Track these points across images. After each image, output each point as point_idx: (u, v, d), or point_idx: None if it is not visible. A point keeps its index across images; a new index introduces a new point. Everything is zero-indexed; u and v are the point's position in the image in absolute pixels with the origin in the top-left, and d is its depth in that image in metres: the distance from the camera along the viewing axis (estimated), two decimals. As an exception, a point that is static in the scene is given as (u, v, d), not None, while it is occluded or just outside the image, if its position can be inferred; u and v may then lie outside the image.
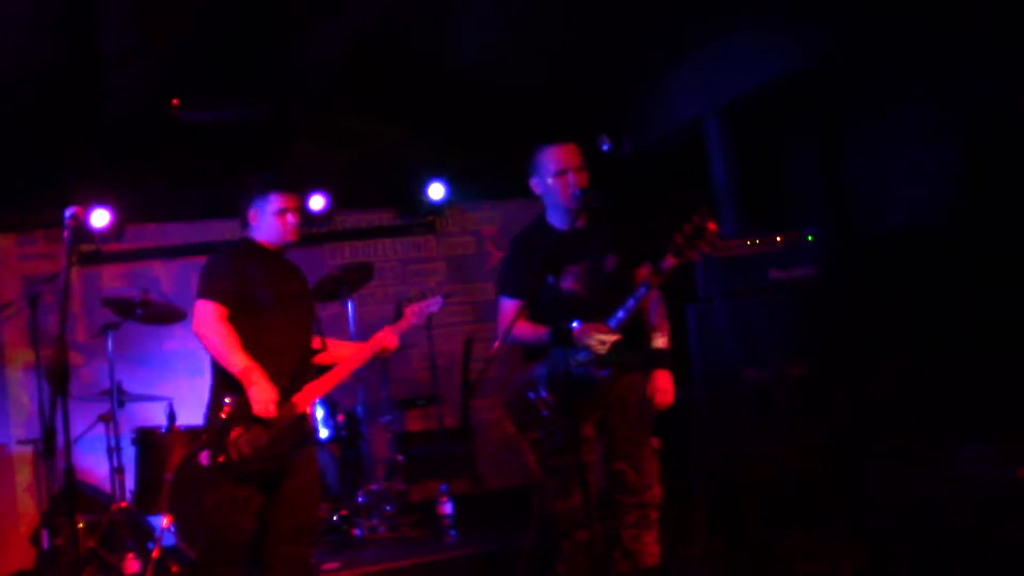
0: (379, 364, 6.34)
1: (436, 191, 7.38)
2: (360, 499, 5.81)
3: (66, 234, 3.34)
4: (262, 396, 3.55)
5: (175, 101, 5.87)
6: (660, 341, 3.94)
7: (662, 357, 3.92)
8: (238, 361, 3.59)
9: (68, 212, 3.39)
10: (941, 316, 5.09)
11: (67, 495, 3.03)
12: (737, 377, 5.12)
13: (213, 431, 3.56)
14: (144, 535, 5.34)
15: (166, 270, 7.11)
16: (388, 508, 5.80)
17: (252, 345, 3.67)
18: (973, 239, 5.02)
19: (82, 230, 6.41)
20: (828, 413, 4.89)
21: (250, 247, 3.87)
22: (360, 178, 7.36)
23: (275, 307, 3.77)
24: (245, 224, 3.89)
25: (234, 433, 3.54)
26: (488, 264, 7.86)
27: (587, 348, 3.70)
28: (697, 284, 5.30)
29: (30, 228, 6.75)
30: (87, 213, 6.42)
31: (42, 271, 6.65)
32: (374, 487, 5.89)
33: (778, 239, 5.27)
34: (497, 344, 3.68)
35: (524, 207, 7.68)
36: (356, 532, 5.64)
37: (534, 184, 3.97)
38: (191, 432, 5.46)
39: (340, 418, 6.00)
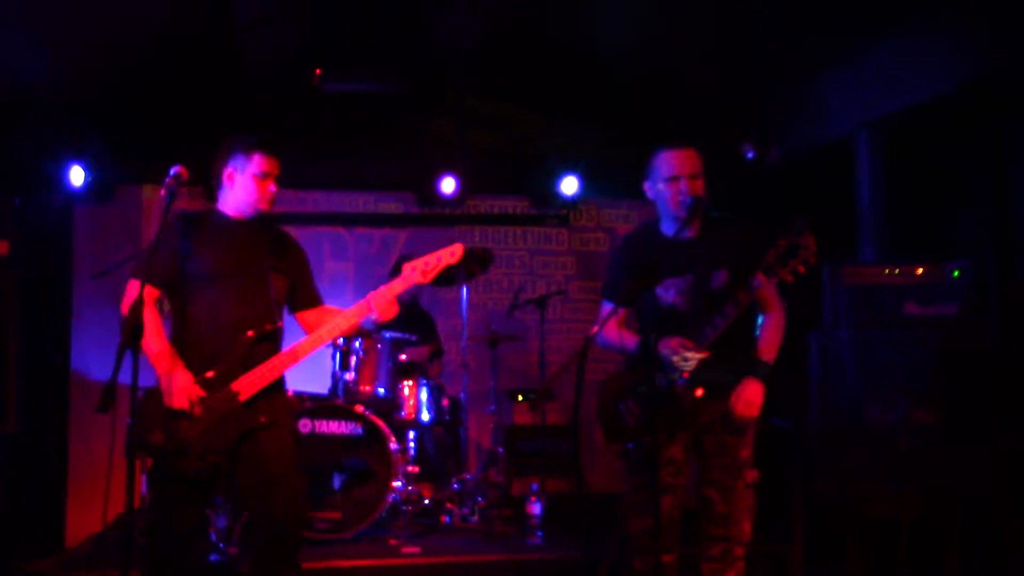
0: (489, 352, 6.26)
1: (569, 185, 7.24)
2: (454, 486, 5.77)
3: (162, 192, 3.24)
4: (172, 387, 3.24)
5: (318, 71, 5.93)
6: (764, 355, 3.66)
7: (759, 367, 3.62)
8: (152, 346, 3.32)
9: (172, 170, 3.27)
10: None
11: (129, 454, 3.02)
12: (857, 414, 4.77)
13: (135, 423, 3.25)
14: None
15: (298, 236, 7.19)
16: (480, 499, 5.72)
17: (186, 327, 3.40)
18: None
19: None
20: (954, 466, 4.49)
21: (203, 216, 3.55)
22: (494, 164, 7.30)
23: (215, 283, 3.41)
24: (217, 185, 3.58)
25: (155, 431, 3.25)
26: (618, 263, 7.66)
27: (672, 364, 3.49)
28: (824, 310, 4.97)
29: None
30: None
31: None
32: (468, 476, 5.82)
33: (919, 271, 4.88)
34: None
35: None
36: (445, 519, 5.60)
37: (647, 188, 3.77)
38: (295, 397, 5.53)
39: (444, 402, 5.97)
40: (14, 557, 5.52)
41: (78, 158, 6.47)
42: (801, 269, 3.26)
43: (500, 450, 6.13)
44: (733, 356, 3.61)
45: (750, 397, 3.58)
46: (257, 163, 3.52)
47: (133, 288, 3.36)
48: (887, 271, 4.94)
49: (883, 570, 4.54)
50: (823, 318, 4.96)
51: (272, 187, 3.54)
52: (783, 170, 6.37)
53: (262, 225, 3.60)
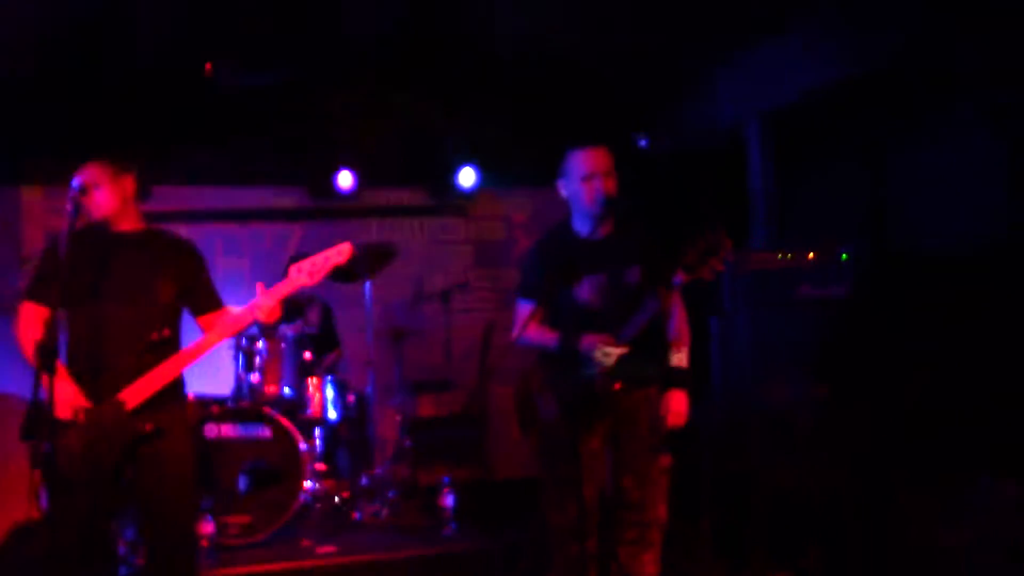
0: (393, 345, 6.25)
1: (467, 177, 7.26)
2: (363, 482, 5.75)
3: (68, 206, 3.23)
4: (56, 398, 3.18)
5: (208, 64, 5.78)
6: (678, 358, 3.79)
7: (679, 376, 3.77)
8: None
9: (75, 181, 3.29)
10: (976, 345, 4.91)
11: (47, 481, 2.94)
12: (757, 395, 4.98)
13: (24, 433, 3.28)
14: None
15: (191, 234, 7.01)
16: (391, 493, 5.73)
17: (75, 341, 3.44)
18: (1015, 268, 4.82)
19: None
20: (850, 438, 4.73)
21: (85, 231, 3.54)
22: (392, 156, 7.23)
23: (99, 295, 3.44)
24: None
25: (42, 442, 3.17)
26: (516, 251, 7.73)
27: (592, 360, 3.58)
28: (723, 296, 5.15)
29: (58, 183, 6.68)
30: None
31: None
32: (378, 471, 5.82)
33: (811, 255, 5.10)
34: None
35: (557, 197, 7.61)
36: (356, 515, 5.58)
37: (561, 186, 3.85)
38: (198, 401, 5.42)
39: (350, 399, 5.94)
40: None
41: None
42: (719, 267, 3.37)
43: (407, 443, 6.13)
44: (645, 349, 3.72)
45: (678, 408, 3.73)
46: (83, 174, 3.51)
47: (28, 310, 3.46)
48: (781, 256, 5.15)
49: (787, 537, 4.73)
50: (723, 303, 5.15)
51: (97, 198, 3.49)
52: (676, 160, 6.54)
53: (148, 234, 3.66)
